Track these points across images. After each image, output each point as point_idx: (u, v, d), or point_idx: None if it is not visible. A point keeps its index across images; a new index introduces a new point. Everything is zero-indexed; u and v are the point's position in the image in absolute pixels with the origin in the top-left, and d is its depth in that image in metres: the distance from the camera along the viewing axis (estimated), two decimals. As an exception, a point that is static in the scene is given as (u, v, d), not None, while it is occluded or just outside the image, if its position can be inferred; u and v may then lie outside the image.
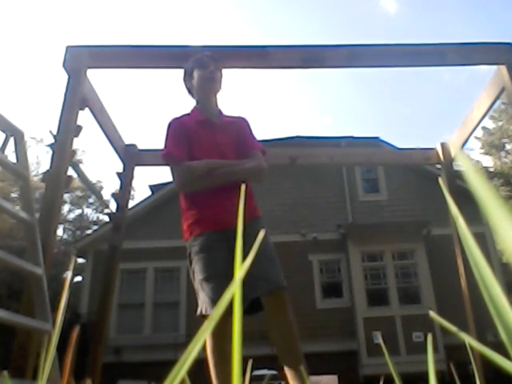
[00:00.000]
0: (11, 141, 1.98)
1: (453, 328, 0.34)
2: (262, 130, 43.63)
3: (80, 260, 11.80)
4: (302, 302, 9.86)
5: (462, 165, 0.26)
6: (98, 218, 23.94)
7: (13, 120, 1.96)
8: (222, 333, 1.90)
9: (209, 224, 2.12)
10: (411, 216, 11.06)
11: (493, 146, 23.90)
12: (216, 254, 2.04)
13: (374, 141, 11.61)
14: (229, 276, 1.90)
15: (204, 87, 2.39)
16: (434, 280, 10.03)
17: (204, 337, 0.27)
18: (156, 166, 4.43)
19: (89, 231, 18.53)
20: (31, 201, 1.94)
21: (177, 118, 2.34)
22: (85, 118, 3.13)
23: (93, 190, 21.88)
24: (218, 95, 2.44)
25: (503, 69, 3.15)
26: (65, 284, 0.72)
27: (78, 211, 23.88)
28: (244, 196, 2.18)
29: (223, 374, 1.91)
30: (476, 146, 32.52)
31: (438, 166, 4.56)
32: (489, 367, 3.44)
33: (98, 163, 38.84)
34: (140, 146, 4.33)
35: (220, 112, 2.42)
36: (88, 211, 24.44)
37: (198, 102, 2.43)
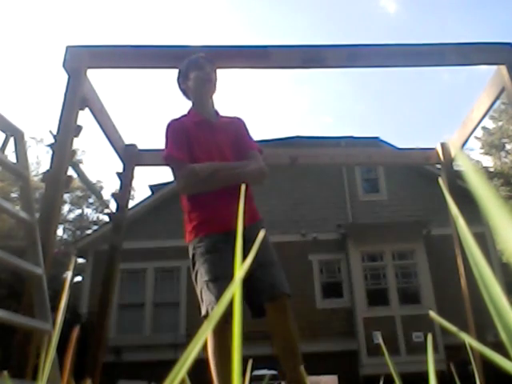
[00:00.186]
0: (11, 141, 1.98)
1: (453, 328, 0.34)
2: (262, 130, 43.65)
3: (80, 260, 11.80)
4: (302, 302, 9.85)
5: (461, 165, 0.26)
6: (98, 217, 23.95)
7: (13, 120, 1.96)
8: (223, 333, 1.90)
9: (214, 226, 2.13)
10: (411, 216, 11.06)
11: (493, 146, 23.90)
12: (222, 256, 2.05)
13: (374, 141, 11.61)
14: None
15: (201, 88, 2.39)
16: (433, 280, 10.02)
17: (204, 337, 0.27)
18: (156, 165, 4.43)
19: (89, 231, 18.53)
20: (31, 201, 1.94)
21: (175, 120, 2.34)
22: (85, 118, 3.13)
23: (93, 190, 21.88)
24: (214, 96, 2.45)
25: (503, 69, 3.15)
26: (65, 284, 0.72)
27: (78, 211, 23.90)
28: (245, 198, 2.20)
29: (224, 374, 1.92)
30: (476, 146, 32.53)
31: (438, 166, 4.56)
32: (489, 367, 3.44)
33: (98, 163, 38.85)
34: (140, 146, 4.33)
35: (216, 113, 2.43)
36: (88, 211, 24.47)
37: (194, 104, 2.43)
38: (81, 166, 21.35)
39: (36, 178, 16.18)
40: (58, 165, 2.79)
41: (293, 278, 9.55)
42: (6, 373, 0.79)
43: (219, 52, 3.22)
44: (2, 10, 36.14)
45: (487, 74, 3.46)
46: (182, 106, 2.54)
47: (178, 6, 40.67)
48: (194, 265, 2.14)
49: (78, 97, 2.99)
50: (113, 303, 4.03)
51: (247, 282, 1.93)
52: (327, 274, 11.00)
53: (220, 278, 2.00)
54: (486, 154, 24.37)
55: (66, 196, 21.37)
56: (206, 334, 0.27)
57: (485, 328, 3.68)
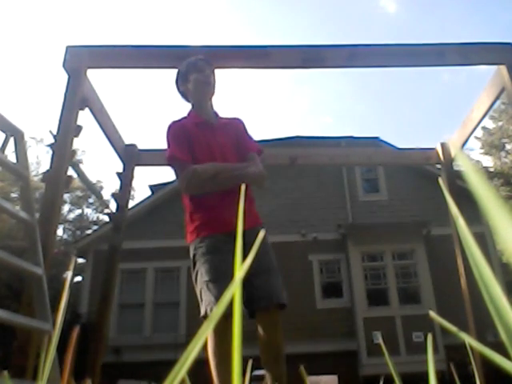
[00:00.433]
0: (11, 141, 1.98)
1: (453, 328, 0.34)
2: (262, 130, 43.65)
3: (80, 260, 11.79)
4: (302, 302, 9.86)
5: (461, 165, 0.26)
6: (98, 217, 23.94)
7: (13, 120, 1.96)
8: (223, 333, 1.91)
9: (216, 226, 2.14)
10: (411, 216, 11.06)
11: (493, 146, 23.89)
12: (223, 256, 2.06)
13: (374, 141, 11.61)
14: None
15: (200, 91, 2.40)
16: (434, 280, 10.02)
17: (204, 337, 0.27)
18: (156, 165, 4.43)
19: (89, 231, 18.52)
20: (31, 201, 1.95)
21: (176, 121, 2.35)
22: (85, 118, 3.13)
23: (93, 190, 21.88)
24: (214, 98, 2.46)
25: (503, 69, 3.15)
26: (65, 284, 0.72)
27: (78, 211, 23.89)
28: (248, 202, 2.22)
29: (224, 374, 1.92)
30: (476, 146, 32.54)
31: (438, 166, 4.56)
32: (489, 367, 3.44)
33: (98, 163, 38.84)
34: (140, 146, 4.33)
35: (216, 114, 2.43)
36: (88, 211, 24.46)
37: (193, 106, 2.44)
38: (81, 166, 21.35)
39: (36, 178, 16.17)
40: (57, 165, 2.79)
41: (293, 278, 9.58)
42: (6, 373, 0.79)
43: (219, 52, 3.22)
44: (2, 10, 36.15)
45: (487, 74, 3.46)
46: (181, 106, 2.55)
47: (178, 6, 40.68)
48: (194, 265, 2.15)
49: (78, 97, 2.99)
50: (113, 303, 4.03)
51: (244, 286, 1.94)
52: (327, 274, 11.00)
53: (220, 279, 2.01)
54: (486, 153, 24.36)
55: (66, 196, 21.37)
56: (205, 334, 0.27)
57: (485, 328, 3.68)
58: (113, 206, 4.31)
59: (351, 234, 10.68)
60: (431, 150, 4.44)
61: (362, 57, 3.28)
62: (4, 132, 1.97)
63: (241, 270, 0.28)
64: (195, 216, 2.21)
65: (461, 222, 0.28)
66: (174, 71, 2.55)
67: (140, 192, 31.88)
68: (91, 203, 24.05)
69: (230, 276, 1.98)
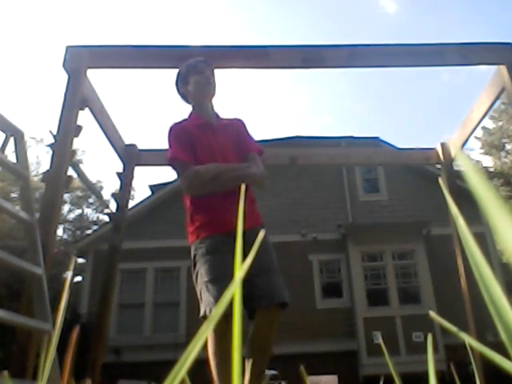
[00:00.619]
0: (11, 141, 1.98)
1: (453, 328, 0.34)
2: (262, 130, 43.66)
3: (80, 260, 11.79)
4: (302, 302, 9.85)
5: (461, 165, 0.26)
6: (98, 217, 23.94)
7: (13, 120, 1.96)
8: (223, 333, 1.91)
9: (216, 227, 2.15)
10: (411, 216, 11.06)
11: (493, 146, 23.90)
12: (222, 257, 2.07)
13: (374, 141, 11.62)
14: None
15: (201, 92, 2.41)
16: (434, 280, 10.02)
17: (204, 337, 0.27)
18: (156, 165, 4.43)
19: (89, 231, 18.52)
20: (31, 201, 1.95)
21: (177, 123, 2.37)
22: (85, 118, 3.13)
23: (93, 190, 21.87)
24: (214, 99, 2.47)
25: (503, 69, 3.16)
26: (65, 284, 0.72)
27: (78, 211, 23.88)
28: (249, 202, 2.23)
29: (224, 374, 1.93)
30: (476, 146, 32.53)
31: (438, 166, 4.56)
32: (489, 367, 3.44)
33: (98, 163, 38.84)
34: (140, 146, 4.33)
35: (217, 115, 2.44)
36: (88, 211, 24.45)
37: (194, 107, 2.45)
38: (81, 166, 21.35)
39: (36, 178, 16.18)
40: (57, 165, 2.79)
41: (293, 278, 9.57)
42: (6, 373, 0.79)
43: (219, 52, 3.23)
44: (3, 10, 36.16)
45: (487, 74, 3.46)
46: (181, 106, 2.55)
47: (178, 6, 40.68)
48: (194, 265, 2.17)
49: (78, 97, 2.99)
50: (113, 303, 4.03)
51: (245, 286, 1.94)
52: (327, 274, 11.00)
53: (220, 279, 2.01)
54: (486, 154, 24.36)
55: (66, 196, 21.37)
56: (205, 334, 0.27)
57: (485, 328, 3.68)
58: (113, 206, 4.32)
59: (351, 233, 10.68)
60: (431, 150, 4.44)
61: (362, 57, 3.28)
62: (4, 132, 1.97)
63: (241, 270, 0.28)
64: (195, 217, 2.23)
65: (461, 222, 0.28)
66: (174, 71, 2.55)
67: (140, 192, 31.91)
68: (91, 203, 24.05)
69: (229, 276, 1.98)
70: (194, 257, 2.17)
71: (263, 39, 40.33)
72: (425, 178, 11.04)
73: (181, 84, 2.47)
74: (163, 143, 2.34)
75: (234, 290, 0.28)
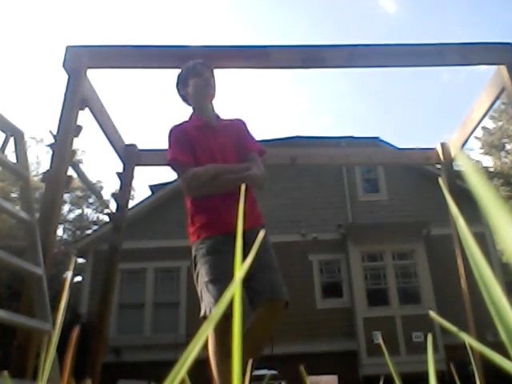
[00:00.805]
0: (11, 141, 1.98)
1: (453, 328, 0.34)
2: (262, 130, 43.65)
3: (80, 260, 11.80)
4: (302, 302, 9.85)
5: (461, 165, 0.26)
6: (98, 217, 23.94)
7: (13, 120, 1.96)
8: (223, 333, 1.92)
9: (216, 228, 2.17)
10: (411, 216, 11.06)
11: (493, 146, 23.89)
12: (223, 257, 2.08)
13: (374, 141, 11.62)
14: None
15: (200, 94, 2.43)
16: (434, 280, 10.02)
17: (204, 337, 0.27)
18: (156, 165, 4.43)
19: (89, 231, 18.52)
20: (31, 201, 1.95)
21: (177, 125, 2.39)
22: (85, 118, 3.13)
23: (93, 190, 21.88)
24: (214, 100, 2.48)
25: (503, 69, 3.15)
26: (65, 284, 0.72)
27: (78, 211, 23.88)
28: (249, 202, 2.24)
29: (225, 374, 1.93)
30: (476, 146, 32.54)
31: (438, 166, 4.56)
32: (489, 367, 3.44)
33: (98, 163, 38.83)
34: (140, 146, 4.33)
35: (217, 116, 2.46)
36: (88, 211, 24.45)
37: (194, 109, 2.47)
38: (81, 166, 21.35)
39: (36, 178, 16.17)
40: (57, 165, 2.79)
41: (293, 278, 9.57)
42: (6, 373, 0.79)
43: (219, 52, 3.23)
44: (3, 10, 36.15)
45: (487, 74, 3.46)
46: (181, 106, 2.56)
47: (178, 6, 40.68)
48: (195, 266, 2.18)
49: (77, 97, 2.99)
50: (113, 303, 4.03)
51: (245, 283, 1.94)
52: (327, 274, 11.00)
53: (219, 279, 2.02)
54: (486, 154, 24.36)
55: (66, 196, 21.37)
56: (205, 334, 0.27)
57: (485, 328, 3.68)
58: (113, 206, 4.32)
59: (351, 233, 10.68)
60: (431, 150, 4.44)
61: (362, 57, 3.28)
62: (4, 132, 1.97)
63: (241, 270, 0.28)
64: (196, 218, 2.24)
65: (461, 222, 0.28)
66: (174, 71, 2.56)
67: (140, 192, 31.89)
68: (91, 203, 24.05)
69: (229, 276, 1.99)
70: (195, 257, 2.18)
71: (263, 39, 40.34)
72: (425, 177, 11.04)
73: (181, 86, 2.50)
74: (163, 143, 2.35)
75: (234, 290, 0.28)
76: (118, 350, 9.62)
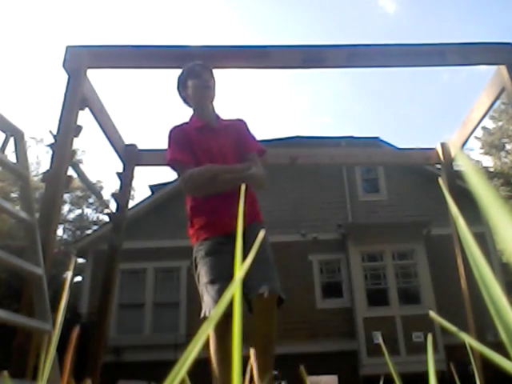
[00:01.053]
0: (11, 141, 1.98)
1: (453, 328, 0.34)
2: (262, 130, 43.64)
3: (80, 260, 11.80)
4: (302, 302, 9.86)
5: (461, 165, 0.26)
6: (98, 217, 23.94)
7: (13, 120, 1.96)
8: (223, 332, 1.92)
9: (215, 229, 2.18)
10: (411, 216, 11.06)
11: (493, 146, 23.90)
12: (221, 258, 2.08)
13: (374, 141, 11.61)
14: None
15: (199, 95, 2.44)
16: (434, 280, 10.02)
17: (204, 337, 0.27)
18: (156, 165, 4.43)
19: (89, 231, 18.52)
20: (31, 201, 1.95)
21: (177, 126, 2.41)
22: (85, 118, 3.13)
23: (93, 190, 21.88)
24: (214, 101, 2.48)
25: (503, 69, 3.15)
26: (65, 284, 0.72)
27: (78, 211, 23.89)
28: (248, 201, 2.24)
29: (225, 374, 1.93)
30: (476, 146, 32.51)
31: (438, 166, 4.56)
32: (489, 367, 3.44)
33: (98, 163, 38.83)
34: (140, 146, 4.33)
35: (217, 117, 2.46)
36: (88, 211, 24.45)
37: (194, 110, 2.48)
38: (81, 166, 21.34)
39: (36, 178, 16.17)
40: (57, 165, 2.79)
41: (293, 278, 9.58)
42: (6, 373, 0.79)
43: (219, 52, 3.23)
44: (3, 10, 36.15)
45: (487, 74, 3.46)
46: (181, 106, 2.57)
47: (178, 6, 40.67)
48: (196, 267, 2.19)
49: (77, 97, 2.99)
50: (113, 303, 4.03)
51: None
52: (327, 274, 11.00)
53: (218, 280, 2.02)
54: (486, 153, 24.37)
55: (66, 196, 21.36)
56: (205, 334, 0.27)
57: (485, 328, 3.68)
58: (113, 206, 4.32)
59: (351, 233, 10.68)
60: (431, 150, 4.44)
61: (362, 57, 3.28)
62: (4, 132, 1.97)
63: (241, 270, 0.28)
64: (195, 219, 2.26)
65: (461, 222, 0.28)
66: (174, 71, 2.57)
67: (140, 192, 31.88)
68: (91, 203, 24.05)
69: (228, 277, 1.99)
70: (195, 259, 2.20)
71: (263, 39, 40.34)
72: (425, 178, 11.04)
73: (181, 88, 2.51)
74: (163, 143, 2.35)
75: (234, 290, 0.28)
76: (117, 350, 9.62)
